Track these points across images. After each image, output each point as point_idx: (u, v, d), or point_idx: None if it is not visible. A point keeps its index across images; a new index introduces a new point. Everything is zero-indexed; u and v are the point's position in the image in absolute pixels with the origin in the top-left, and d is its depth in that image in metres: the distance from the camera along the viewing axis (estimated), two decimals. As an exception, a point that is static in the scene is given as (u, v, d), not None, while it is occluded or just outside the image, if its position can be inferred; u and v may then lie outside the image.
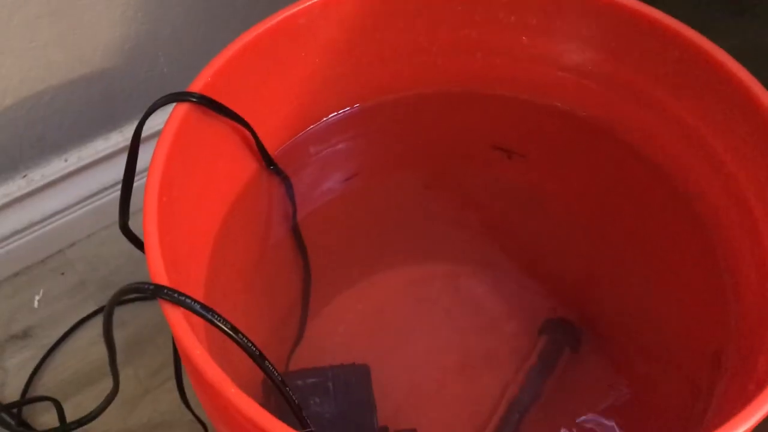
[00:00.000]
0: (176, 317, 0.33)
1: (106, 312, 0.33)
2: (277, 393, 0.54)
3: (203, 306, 0.33)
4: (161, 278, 0.34)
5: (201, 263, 0.45)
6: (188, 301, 0.33)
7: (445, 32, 0.52)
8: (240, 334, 0.34)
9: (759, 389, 0.33)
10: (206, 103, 0.41)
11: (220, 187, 0.47)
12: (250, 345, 0.34)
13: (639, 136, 0.51)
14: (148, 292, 0.33)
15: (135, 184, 0.40)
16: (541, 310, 0.58)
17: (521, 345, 0.57)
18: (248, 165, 0.49)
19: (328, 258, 0.59)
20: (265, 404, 0.51)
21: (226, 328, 0.33)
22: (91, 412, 0.56)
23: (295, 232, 0.55)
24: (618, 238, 0.56)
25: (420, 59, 0.54)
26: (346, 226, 0.59)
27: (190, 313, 0.33)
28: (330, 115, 0.54)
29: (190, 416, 0.57)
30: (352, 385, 0.54)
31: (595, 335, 0.56)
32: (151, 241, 0.35)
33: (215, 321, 0.33)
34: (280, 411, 0.52)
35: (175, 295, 0.33)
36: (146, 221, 0.36)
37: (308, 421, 0.52)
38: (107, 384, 0.54)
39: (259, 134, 0.48)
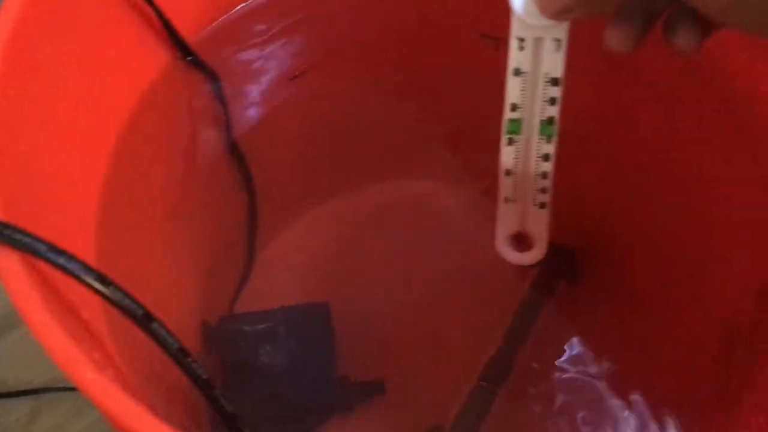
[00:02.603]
0: (9, 265, 0.22)
1: None
2: (222, 342, 0.46)
3: (51, 247, 0.22)
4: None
5: (90, 187, 0.34)
6: (24, 239, 0.22)
7: None
8: (112, 287, 0.23)
9: None
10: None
11: (115, 84, 0.35)
12: (127, 301, 0.23)
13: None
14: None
15: None
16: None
17: (507, 277, 0.48)
18: (156, 54, 0.38)
19: (277, 177, 0.48)
20: (206, 356, 0.43)
21: (87, 278, 0.22)
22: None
23: (231, 145, 0.45)
24: (634, 141, 0.45)
25: None
26: (296, 137, 0.49)
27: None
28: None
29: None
30: (308, 328, 0.46)
31: (600, 263, 0.47)
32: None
33: (68, 266, 0.22)
34: (225, 366, 0.44)
35: (7, 232, 0.22)
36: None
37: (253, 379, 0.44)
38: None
39: (168, 11, 0.36)
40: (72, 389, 0.54)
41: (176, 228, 0.44)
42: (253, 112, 0.46)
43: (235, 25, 0.42)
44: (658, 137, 0.44)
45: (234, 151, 0.45)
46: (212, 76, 0.41)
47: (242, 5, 0.42)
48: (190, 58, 0.40)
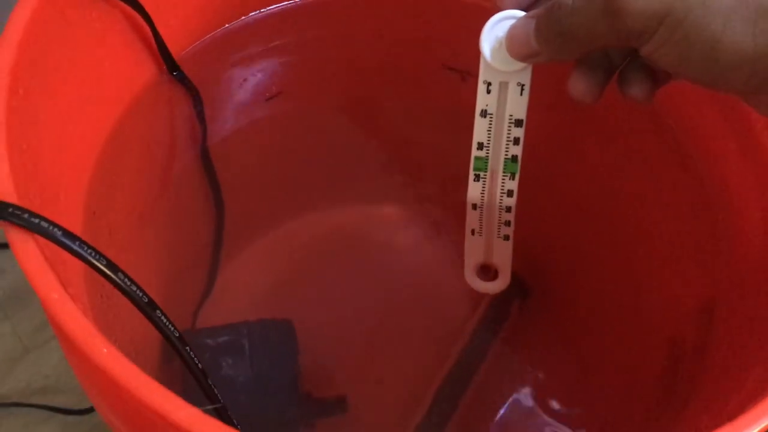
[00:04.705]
0: (26, 247, 0.23)
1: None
2: (177, 355, 0.45)
3: (66, 232, 0.23)
4: (7, 194, 0.24)
5: (78, 188, 0.35)
6: (44, 224, 0.23)
7: None
8: (121, 273, 0.24)
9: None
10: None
11: (105, 92, 0.37)
12: (134, 288, 0.24)
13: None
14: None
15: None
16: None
17: (465, 300, 0.50)
18: (144, 67, 0.39)
19: (245, 194, 0.49)
20: (164, 370, 0.43)
21: (99, 264, 0.23)
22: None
23: (205, 160, 0.46)
24: (584, 175, 0.48)
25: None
26: (267, 156, 0.50)
27: (50, 247, 0.24)
28: (253, 13, 0.44)
29: (77, 381, 0.48)
30: (272, 344, 0.46)
31: (550, 290, 0.50)
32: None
33: (83, 252, 0.23)
34: (184, 378, 0.44)
35: (26, 216, 0.23)
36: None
37: (215, 387, 0.44)
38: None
39: (160, 27, 0.38)
40: (19, 405, 0.53)
41: (146, 237, 0.44)
42: (227, 129, 0.47)
43: (218, 44, 0.44)
44: (603, 169, 0.47)
45: (206, 165, 0.47)
46: (194, 91, 0.43)
47: (227, 25, 0.44)
48: (175, 73, 0.41)
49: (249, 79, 0.47)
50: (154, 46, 0.39)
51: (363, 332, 0.49)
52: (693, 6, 0.25)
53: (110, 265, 0.24)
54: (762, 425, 0.23)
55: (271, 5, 0.45)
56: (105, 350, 0.21)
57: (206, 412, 0.28)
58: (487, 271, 0.41)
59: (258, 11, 0.45)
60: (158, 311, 0.25)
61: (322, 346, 0.47)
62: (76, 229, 0.34)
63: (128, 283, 0.24)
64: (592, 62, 0.32)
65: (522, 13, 0.31)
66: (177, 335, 0.26)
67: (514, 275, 0.49)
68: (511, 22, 0.32)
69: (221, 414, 0.28)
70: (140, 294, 0.25)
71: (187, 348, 0.26)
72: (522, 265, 0.49)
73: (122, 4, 0.35)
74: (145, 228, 0.43)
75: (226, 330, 0.46)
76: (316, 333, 0.47)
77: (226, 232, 0.49)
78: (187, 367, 0.26)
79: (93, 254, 0.24)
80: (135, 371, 0.21)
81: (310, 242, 0.52)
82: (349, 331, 0.49)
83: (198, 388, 0.41)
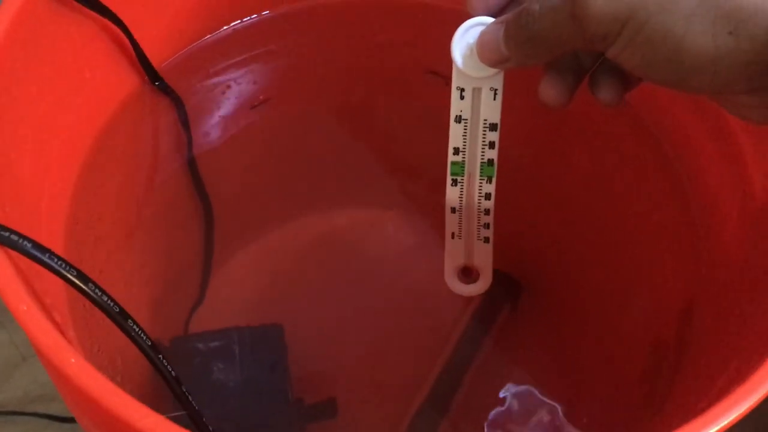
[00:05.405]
0: (-4, 260, 0.24)
1: None
2: (175, 360, 0.46)
3: (36, 244, 0.24)
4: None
5: (61, 198, 0.35)
6: (13, 237, 0.23)
7: None
8: (91, 284, 0.25)
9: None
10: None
11: (86, 103, 0.37)
12: (105, 298, 0.25)
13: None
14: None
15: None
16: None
17: (454, 302, 0.50)
18: (126, 77, 0.39)
19: (234, 201, 0.50)
20: (156, 377, 0.43)
21: (68, 274, 0.24)
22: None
23: (192, 168, 0.46)
24: (569, 178, 0.49)
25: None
26: (255, 163, 0.50)
27: (26, 262, 0.24)
28: (234, 23, 0.44)
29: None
30: (263, 348, 0.46)
31: (538, 291, 0.50)
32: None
33: (52, 264, 0.24)
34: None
35: (-5, 229, 0.24)
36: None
37: (203, 393, 0.44)
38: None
39: (140, 39, 0.38)
40: (17, 413, 0.53)
41: (134, 244, 0.45)
42: (214, 138, 0.48)
43: (200, 54, 0.44)
44: (586, 170, 0.47)
45: (193, 174, 0.47)
46: (177, 101, 0.43)
47: (208, 36, 0.44)
48: (157, 83, 0.42)
49: (234, 88, 0.47)
50: (135, 57, 0.39)
51: (354, 336, 0.49)
52: (654, 9, 0.25)
53: (80, 275, 0.24)
54: (722, 424, 0.23)
55: (254, 14, 0.46)
56: (73, 360, 0.22)
57: (181, 418, 0.28)
58: (469, 273, 0.42)
59: (240, 20, 0.45)
60: (130, 320, 0.26)
61: (313, 351, 0.47)
62: (59, 239, 0.35)
63: (99, 293, 0.25)
64: (561, 66, 0.32)
65: (491, 20, 0.32)
66: (149, 344, 0.26)
67: (505, 275, 0.50)
68: (481, 28, 0.32)
69: (196, 421, 0.29)
70: (111, 304, 0.25)
71: (160, 356, 0.27)
72: (512, 265, 0.50)
73: (99, 16, 0.36)
74: (133, 236, 0.44)
75: (216, 335, 0.46)
76: (306, 338, 0.47)
77: (216, 238, 0.50)
78: (160, 374, 0.27)
79: (63, 265, 0.24)
80: (102, 381, 0.22)
81: (300, 247, 0.52)
82: (339, 336, 0.49)
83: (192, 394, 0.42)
